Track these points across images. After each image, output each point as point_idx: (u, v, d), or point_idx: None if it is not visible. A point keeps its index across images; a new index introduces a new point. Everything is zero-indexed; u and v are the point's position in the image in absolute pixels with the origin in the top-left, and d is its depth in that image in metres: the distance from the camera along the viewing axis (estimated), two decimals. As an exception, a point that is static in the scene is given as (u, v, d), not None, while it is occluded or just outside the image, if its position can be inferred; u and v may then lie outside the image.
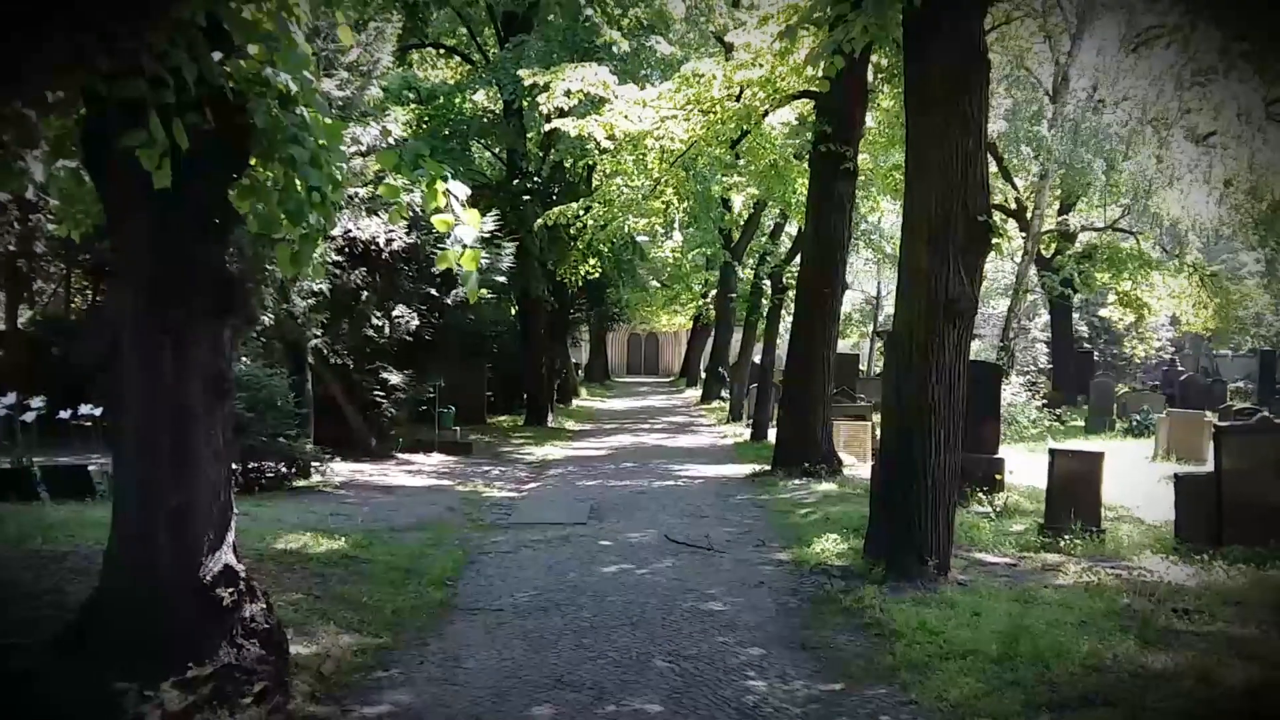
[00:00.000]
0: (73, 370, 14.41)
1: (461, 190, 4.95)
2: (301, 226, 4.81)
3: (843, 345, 27.44)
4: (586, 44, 20.24)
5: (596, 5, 21.07)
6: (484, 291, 16.71)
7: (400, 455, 16.11)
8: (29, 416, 10.44)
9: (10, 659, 4.85)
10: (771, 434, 18.05)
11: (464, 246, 4.90)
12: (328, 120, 4.79)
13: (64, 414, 10.86)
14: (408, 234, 14.42)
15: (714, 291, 32.44)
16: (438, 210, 4.91)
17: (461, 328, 17.98)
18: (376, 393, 16.09)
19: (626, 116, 14.02)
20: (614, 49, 19.75)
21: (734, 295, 28.51)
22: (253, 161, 4.86)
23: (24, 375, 14.70)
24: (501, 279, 18.23)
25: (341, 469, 13.60)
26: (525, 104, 20.62)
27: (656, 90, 14.35)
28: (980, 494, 11.05)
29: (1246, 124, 21.05)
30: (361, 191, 13.70)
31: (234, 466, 5.93)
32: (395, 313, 15.52)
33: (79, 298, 19.79)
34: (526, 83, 15.78)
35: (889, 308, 35.15)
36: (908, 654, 5.96)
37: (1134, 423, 20.84)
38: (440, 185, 4.88)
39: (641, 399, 37.35)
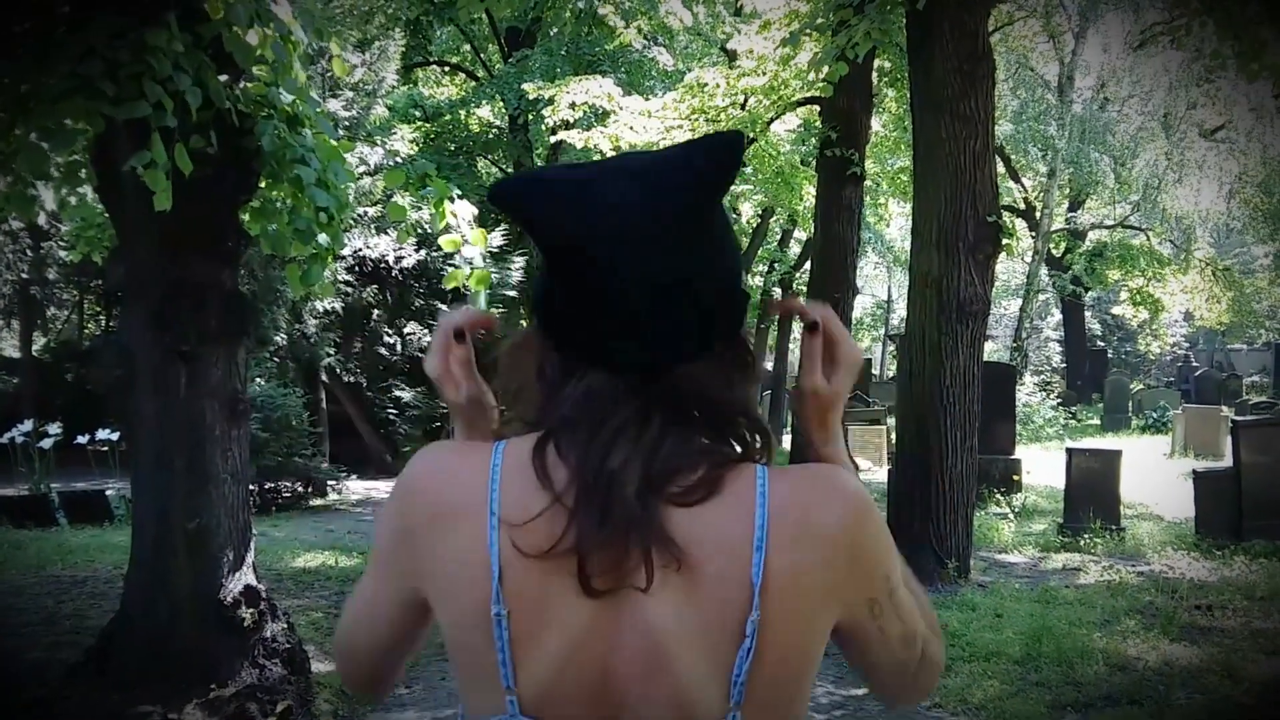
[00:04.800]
0: (88, 395, 14.50)
1: (467, 210, 4.96)
2: (311, 247, 4.83)
3: (855, 350, 27.30)
4: (589, 56, 20.29)
5: (592, 20, 21.12)
6: (496, 307, 16.75)
7: (415, 472, 16.11)
8: (46, 443, 10.47)
9: (31, 686, 4.87)
10: (785, 440, 18.02)
11: (471, 266, 4.92)
12: (333, 142, 4.81)
13: (81, 439, 10.89)
14: (418, 251, 14.46)
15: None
16: (446, 230, 4.93)
17: (473, 344, 17.99)
18: (390, 410, 16.11)
19: (632, 128, 14.04)
20: (617, 59, 19.78)
21: (744, 303, 28.44)
22: (263, 183, 4.89)
23: (40, 402, 14.79)
24: (512, 293, 18.26)
25: (357, 487, 13.62)
26: (530, 118, 20.67)
27: (661, 100, 14.38)
28: (998, 495, 11.01)
29: (1258, 119, 20.99)
30: (371, 210, 13.76)
31: (251, 487, 5.94)
32: (407, 330, 15.55)
33: (92, 324, 19.90)
34: (531, 96, 15.83)
35: (901, 311, 35.10)
36: (930, 657, 5.92)
37: (1150, 420, 20.75)
38: (447, 205, 4.91)
39: (655, 409, 37.32)
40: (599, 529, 0.99)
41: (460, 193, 5.11)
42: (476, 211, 5.11)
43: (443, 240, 4.95)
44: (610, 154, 14.72)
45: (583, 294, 1.06)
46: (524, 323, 16.72)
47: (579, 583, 0.99)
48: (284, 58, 4.25)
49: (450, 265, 5.03)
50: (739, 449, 1.08)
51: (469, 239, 4.91)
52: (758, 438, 1.10)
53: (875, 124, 16.33)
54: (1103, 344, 35.80)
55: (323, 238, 4.81)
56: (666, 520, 1.00)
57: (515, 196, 1.10)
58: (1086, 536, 8.95)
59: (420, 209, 5.12)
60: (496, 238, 17.05)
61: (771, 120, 14.78)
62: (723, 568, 1.00)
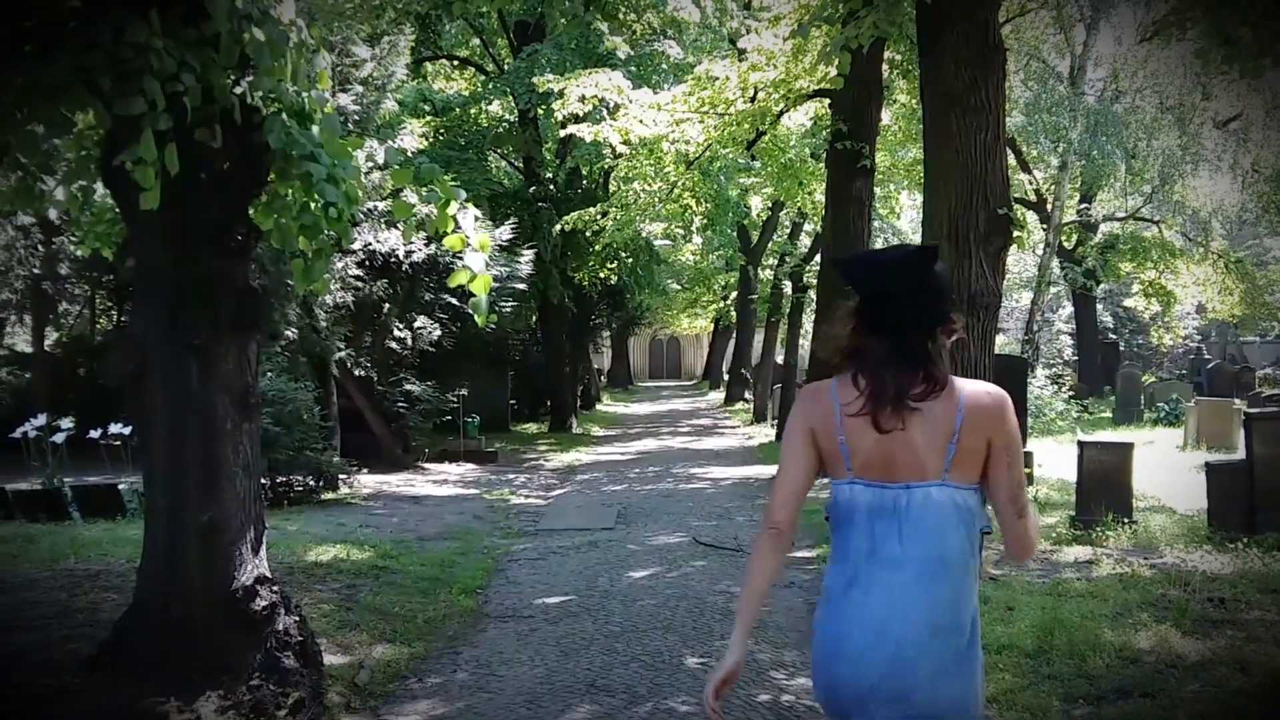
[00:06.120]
0: (101, 390, 14.56)
1: (470, 219, 4.96)
2: (317, 242, 4.84)
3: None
4: (599, 51, 20.30)
5: (600, 13, 21.10)
6: (505, 301, 16.75)
7: (426, 465, 16.16)
8: (59, 437, 10.51)
9: (45, 678, 4.89)
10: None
11: (474, 272, 4.93)
12: (340, 139, 4.81)
13: (93, 434, 10.93)
14: (427, 246, 14.47)
15: (734, 293, 32.41)
16: (449, 232, 4.94)
17: (483, 336, 18.01)
18: (400, 404, 16.15)
19: (641, 121, 14.05)
20: (619, 54, 19.81)
21: (754, 296, 28.45)
22: (272, 179, 4.89)
23: (52, 396, 14.85)
24: (521, 286, 18.28)
25: (368, 481, 13.65)
26: (540, 112, 20.67)
27: (671, 94, 14.36)
28: (1009, 488, 10.95)
29: (1272, 110, 20.82)
30: (381, 205, 13.77)
31: (263, 481, 5.96)
32: (417, 324, 15.58)
33: (104, 318, 19.96)
34: (541, 90, 15.83)
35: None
36: (941, 650, 5.90)
37: (1162, 412, 20.66)
38: (451, 209, 4.91)
39: (665, 403, 37.35)
40: (879, 406, 2.40)
41: (466, 194, 5.10)
42: (480, 214, 5.11)
43: (447, 240, 4.97)
44: (621, 148, 14.82)
45: (876, 310, 2.47)
46: (535, 315, 16.96)
47: (874, 427, 2.41)
48: (266, 60, 4.23)
49: (461, 258, 5.04)
50: (945, 369, 2.47)
51: (473, 244, 4.92)
52: (943, 371, 2.46)
53: (885, 116, 16.28)
54: (1114, 336, 35.65)
55: (328, 233, 4.82)
56: (909, 403, 2.40)
57: (848, 269, 2.61)
58: (1098, 529, 8.92)
59: (429, 203, 5.11)
60: (506, 231, 17.09)
61: (781, 113, 14.74)
62: (939, 418, 2.41)
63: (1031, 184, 24.98)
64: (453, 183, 5.05)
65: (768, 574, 2.60)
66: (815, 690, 2.60)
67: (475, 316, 5.08)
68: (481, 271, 4.98)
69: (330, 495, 12.47)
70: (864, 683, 2.41)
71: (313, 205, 4.71)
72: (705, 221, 23.82)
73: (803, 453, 2.54)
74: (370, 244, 13.93)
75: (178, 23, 4.01)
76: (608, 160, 19.93)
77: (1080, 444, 9.89)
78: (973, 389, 2.48)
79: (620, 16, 22.66)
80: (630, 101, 14.16)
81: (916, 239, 13.99)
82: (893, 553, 2.44)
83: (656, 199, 17.09)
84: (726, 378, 36.47)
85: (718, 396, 37.17)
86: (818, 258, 19.41)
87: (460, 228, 4.94)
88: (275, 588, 4.98)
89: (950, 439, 2.40)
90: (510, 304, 17.62)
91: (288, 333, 12.89)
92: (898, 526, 2.43)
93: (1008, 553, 2.60)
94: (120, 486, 10.35)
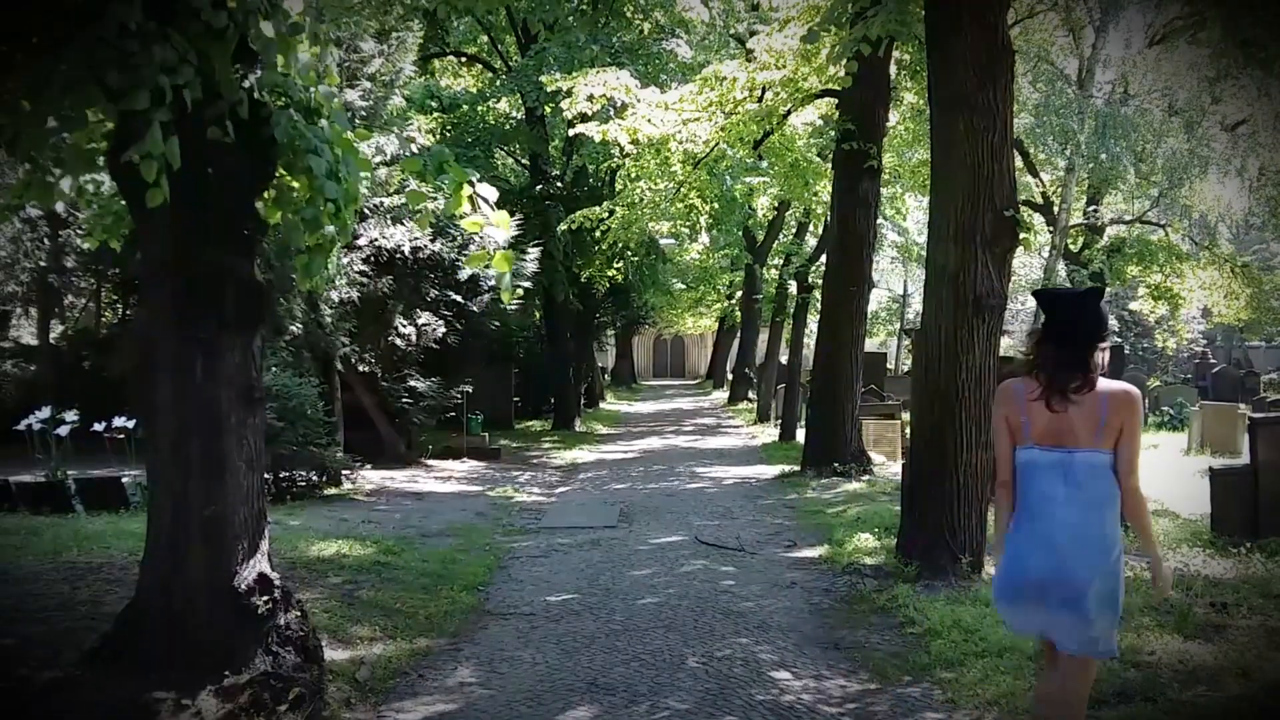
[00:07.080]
0: (105, 383, 14.58)
1: (490, 192, 4.95)
2: (317, 237, 4.84)
3: (870, 344, 27.23)
4: (609, 48, 20.29)
5: (608, 11, 21.13)
6: (517, 289, 16.75)
7: (429, 462, 16.16)
8: (63, 430, 10.52)
9: (48, 670, 4.90)
10: (800, 434, 17.99)
11: (496, 248, 4.93)
12: (347, 134, 4.81)
13: (98, 427, 10.94)
14: (433, 242, 14.47)
15: (739, 293, 32.39)
16: (463, 216, 4.93)
17: (487, 334, 18.01)
18: (404, 400, 16.14)
19: (649, 120, 14.02)
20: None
21: (759, 296, 28.41)
22: (280, 173, 4.90)
23: (57, 389, 14.86)
24: (526, 284, 18.26)
25: (371, 476, 13.66)
26: (548, 110, 20.66)
27: (678, 93, 14.35)
28: (1012, 490, 10.93)
29: (1283, 115, 20.74)
30: (387, 200, 13.77)
31: (266, 476, 5.96)
32: (421, 320, 15.56)
33: (110, 312, 19.98)
34: (549, 89, 15.81)
35: (916, 305, 34.94)
36: (943, 652, 5.92)
37: (1167, 416, 20.61)
38: (466, 190, 4.89)
39: (669, 402, 37.33)
40: (1051, 394, 3.69)
41: (479, 175, 5.09)
42: (498, 194, 5.10)
43: (465, 222, 4.95)
44: (629, 147, 14.85)
45: (1056, 328, 3.75)
46: (539, 313, 17.11)
47: (1046, 408, 3.70)
48: (273, 55, 4.22)
49: (467, 254, 5.03)
50: (1096, 374, 3.68)
51: (492, 220, 4.91)
52: (1094, 374, 3.67)
53: (893, 117, 16.24)
54: (1119, 340, 35.54)
55: (330, 228, 4.82)
56: (1071, 396, 3.66)
57: (1043, 299, 3.97)
58: (1101, 533, 8.89)
59: (438, 198, 5.11)
60: (512, 228, 17.08)
61: (788, 113, 14.72)
62: (1090, 407, 3.66)
63: (1038, 186, 24.91)
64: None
65: (1007, 510, 3.89)
66: (996, 585, 3.89)
67: (501, 294, 5.09)
68: (503, 247, 4.98)
69: (333, 491, 12.47)
70: (1042, 577, 3.67)
71: (320, 201, 4.71)
72: (711, 221, 23.77)
73: (1005, 431, 3.84)
74: (376, 240, 13.93)
75: (185, 14, 4.00)
76: (615, 159, 19.90)
77: (1084, 447, 9.86)
78: (1112, 388, 3.68)
79: (628, 14, 22.68)
80: (638, 101, 14.13)
81: (923, 240, 13.99)
82: (1060, 494, 3.69)
83: (663, 198, 17.07)
84: (730, 377, 36.45)
85: (721, 396, 37.15)
86: (823, 258, 19.34)
87: (479, 207, 4.92)
88: (277, 583, 4.99)
89: (1099, 422, 3.63)
90: (516, 300, 17.59)
91: (293, 328, 12.89)
92: (1063, 476, 3.68)
93: (1121, 497, 3.70)
94: (124, 479, 10.36)
